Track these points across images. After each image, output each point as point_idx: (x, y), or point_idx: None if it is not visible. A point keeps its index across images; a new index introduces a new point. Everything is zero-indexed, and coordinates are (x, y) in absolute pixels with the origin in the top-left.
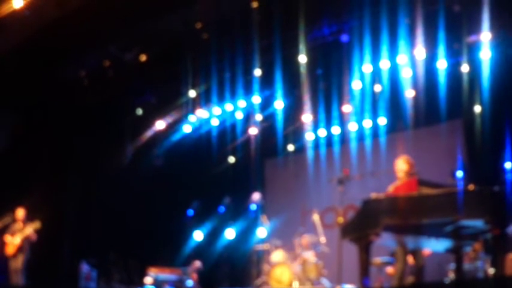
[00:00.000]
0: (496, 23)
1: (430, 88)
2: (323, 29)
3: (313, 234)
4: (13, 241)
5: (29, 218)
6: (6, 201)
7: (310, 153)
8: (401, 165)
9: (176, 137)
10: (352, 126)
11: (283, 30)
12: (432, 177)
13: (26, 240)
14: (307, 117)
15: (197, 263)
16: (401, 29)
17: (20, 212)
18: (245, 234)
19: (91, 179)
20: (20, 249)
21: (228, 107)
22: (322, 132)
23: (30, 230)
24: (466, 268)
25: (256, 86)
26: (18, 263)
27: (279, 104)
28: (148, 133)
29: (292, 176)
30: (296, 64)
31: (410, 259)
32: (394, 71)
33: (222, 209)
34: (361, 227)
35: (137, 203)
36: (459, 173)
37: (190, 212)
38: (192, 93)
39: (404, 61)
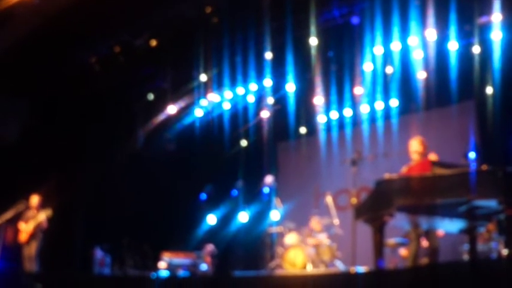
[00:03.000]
0: (507, 4)
1: (441, 69)
2: (334, 11)
3: (327, 217)
4: (26, 228)
5: (42, 205)
6: (20, 188)
7: (322, 135)
8: (415, 146)
9: (188, 121)
10: (364, 108)
11: (294, 12)
12: (445, 159)
13: (38, 227)
14: (319, 100)
15: (210, 246)
16: (412, 10)
17: (34, 199)
18: (258, 218)
19: (104, 164)
20: (32, 236)
21: (240, 90)
22: (334, 115)
23: (42, 217)
24: (480, 249)
25: (267, 69)
26: (31, 250)
27: (290, 87)
28: (160, 118)
29: (304, 159)
30: (307, 47)
31: (424, 240)
32: (405, 53)
33: (235, 192)
34: (375, 208)
35: (150, 187)
36: (471, 154)
37: (203, 196)
38: (203, 77)
39: (416, 43)
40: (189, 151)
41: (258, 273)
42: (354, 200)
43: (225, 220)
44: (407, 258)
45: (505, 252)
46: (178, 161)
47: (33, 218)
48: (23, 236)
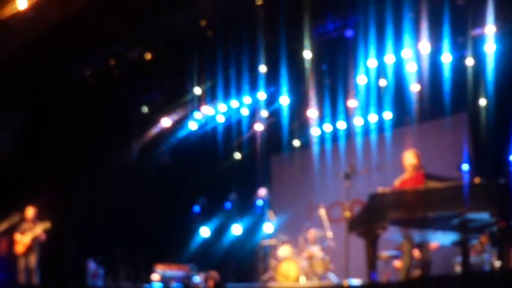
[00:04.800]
0: (500, 16)
1: (435, 82)
2: (327, 24)
3: (320, 229)
4: (23, 240)
5: (39, 217)
6: (13, 200)
7: (315, 148)
8: (410, 158)
9: (182, 134)
10: (358, 121)
11: (288, 26)
12: (438, 171)
13: (35, 239)
14: (312, 113)
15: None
16: (405, 23)
17: (30, 211)
18: (252, 230)
19: (97, 177)
20: (29, 248)
21: (234, 103)
22: (327, 128)
23: (39, 229)
24: (473, 261)
25: (261, 82)
26: (31, 262)
27: (284, 100)
28: (154, 131)
29: (298, 172)
30: (301, 60)
31: (417, 253)
32: (399, 66)
33: (228, 205)
34: (368, 221)
35: (143, 200)
36: (465, 167)
37: (197, 208)
38: (197, 90)
39: (409, 55)
40: (183, 164)
41: (251, 285)
42: (347, 213)
43: (219, 232)
44: (401, 271)
45: (497, 264)
46: (172, 173)
47: (30, 230)
48: (20, 248)
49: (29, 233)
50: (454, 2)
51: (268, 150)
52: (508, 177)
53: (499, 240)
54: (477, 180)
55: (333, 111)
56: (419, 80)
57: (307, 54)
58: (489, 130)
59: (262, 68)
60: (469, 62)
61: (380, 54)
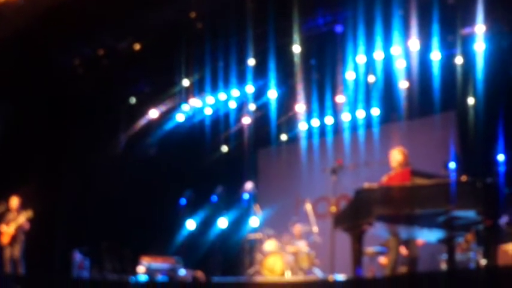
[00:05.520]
0: (490, 15)
1: (423, 79)
2: (317, 19)
3: (306, 224)
4: (8, 230)
5: (22, 207)
6: (0, 190)
7: (303, 143)
8: (396, 155)
9: (169, 126)
10: (346, 117)
11: (277, 20)
12: (425, 168)
13: (19, 229)
14: (300, 107)
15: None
16: (395, 20)
17: (14, 201)
18: (238, 224)
19: (84, 167)
20: (14, 238)
21: (222, 96)
22: (315, 122)
23: (22, 218)
24: (458, 258)
25: (249, 76)
26: (15, 253)
27: (272, 94)
28: (142, 122)
29: (285, 166)
30: (290, 54)
31: (403, 249)
32: (388, 62)
33: (214, 198)
34: (354, 216)
35: (130, 192)
36: (452, 165)
37: (183, 201)
38: (185, 82)
39: (398, 52)
40: (170, 156)
41: (237, 279)
42: (333, 208)
43: (205, 226)
44: (386, 267)
45: (483, 262)
46: (159, 165)
47: (14, 220)
48: (5, 238)
49: (12, 223)
50: (444, 0)
51: (255, 144)
52: (495, 176)
53: (484, 239)
54: (464, 178)
55: (320, 106)
56: (408, 77)
57: (296, 49)
58: (477, 129)
59: (251, 61)
60: (458, 60)
61: (369, 50)
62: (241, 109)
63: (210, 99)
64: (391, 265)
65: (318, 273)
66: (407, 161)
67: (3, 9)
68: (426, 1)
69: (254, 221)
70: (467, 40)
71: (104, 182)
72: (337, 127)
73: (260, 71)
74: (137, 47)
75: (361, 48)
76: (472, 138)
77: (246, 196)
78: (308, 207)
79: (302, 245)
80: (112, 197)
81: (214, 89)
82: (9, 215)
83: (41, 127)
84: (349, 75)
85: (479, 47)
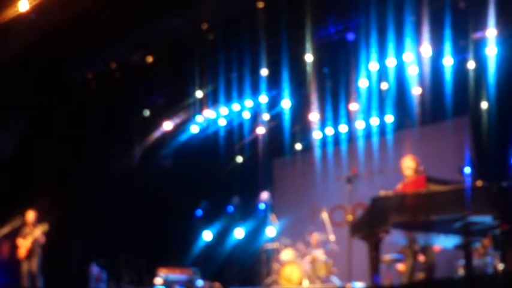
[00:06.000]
0: (501, 20)
1: (436, 85)
2: (329, 27)
3: (323, 233)
4: (24, 244)
5: (39, 221)
6: (15, 204)
7: (317, 151)
8: (408, 162)
9: (184, 137)
10: (360, 124)
11: (290, 29)
12: (440, 174)
13: (35, 242)
14: (314, 116)
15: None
16: (407, 26)
17: (30, 215)
18: (254, 234)
19: (100, 180)
20: (30, 252)
21: (235, 106)
22: (329, 131)
23: (38, 232)
24: (476, 264)
25: (263, 86)
26: (33, 266)
27: (286, 103)
28: (156, 134)
29: (300, 175)
30: (303, 63)
31: (420, 256)
32: (400, 69)
33: (230, 208)
34: (371, 224)
35: (146, 203)
36: (467, 170)
37: (199, 212)
38: (199, 94)
39: (411, 58)
40: (185, 167)
41: None
42: (350, 217)
43: (221, 236)
44: (404, 274)
45: (500, 267)
46: (175, 177)
47: (31, 234)
48: (22, 252)
49: (29, 236)
50: (455, 5)
51: (270, 154)
52: (510, 180)
53: (501, 243)
54: (479, 183)
55: (334, 115)
56: (421, 83)
57: (309, 58)
58: (491, 133)
59: (264, 71)
60: (471, 65)
61: (381, 57)
62: (255, 119)
63: (223, 110)
64: (409, 272)
65: (335, 282)
66: (419, 167)
67: (15, 23)
68: (437, 6)
69: (270, 231)
70: (479, 44)
71: (120, 195)
72: (351, 135)
73: (273, 81)
74: (150, 59)
75: (374, 55)
76: (486, 142)
77: (262, 206)
78: (324, 215)
79: (319, 254)
80: (128, 209)
81: (228, 100)
82: (25, 229)
83: (55, 140)
84: (362, 83)
85: (491, 51)
